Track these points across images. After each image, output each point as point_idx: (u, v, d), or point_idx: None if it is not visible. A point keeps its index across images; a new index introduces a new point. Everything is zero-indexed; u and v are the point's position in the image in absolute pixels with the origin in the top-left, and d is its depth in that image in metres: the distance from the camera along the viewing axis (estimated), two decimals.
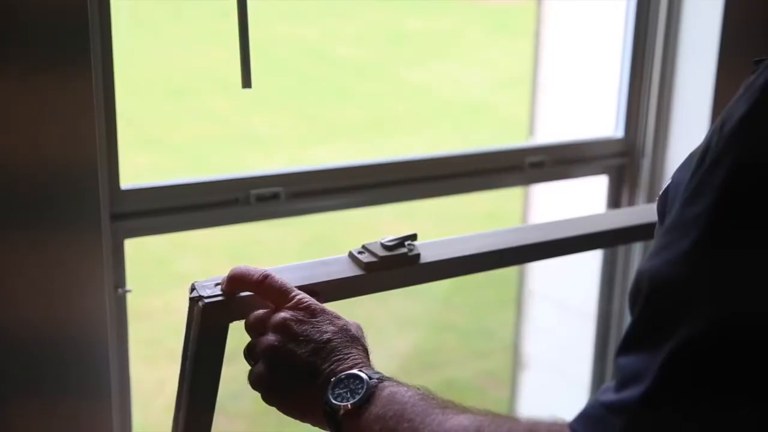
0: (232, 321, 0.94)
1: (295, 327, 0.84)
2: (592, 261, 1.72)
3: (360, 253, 0.98)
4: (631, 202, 1.61)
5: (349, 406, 0.77)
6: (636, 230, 1.21)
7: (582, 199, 2.04)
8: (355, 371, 0.80)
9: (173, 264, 4.08)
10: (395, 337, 3.69)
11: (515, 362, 2.32)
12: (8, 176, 0.95)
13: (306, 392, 0.83)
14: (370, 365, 0.83)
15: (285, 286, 0.88)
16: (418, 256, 1.01)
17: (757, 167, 0.59)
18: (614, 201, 1.64)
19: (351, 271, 0.97)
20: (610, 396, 0.64)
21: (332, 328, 0.85)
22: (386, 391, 0.77)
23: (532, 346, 2.23)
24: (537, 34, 2.32)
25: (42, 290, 1.01)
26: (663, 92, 1.56)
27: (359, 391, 0.78)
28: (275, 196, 1.26)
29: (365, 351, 0.85)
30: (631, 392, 0.61)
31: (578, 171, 1.57)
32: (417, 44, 7.56)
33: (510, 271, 3.38)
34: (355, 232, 4.62)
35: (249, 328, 0.91)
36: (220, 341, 0.97)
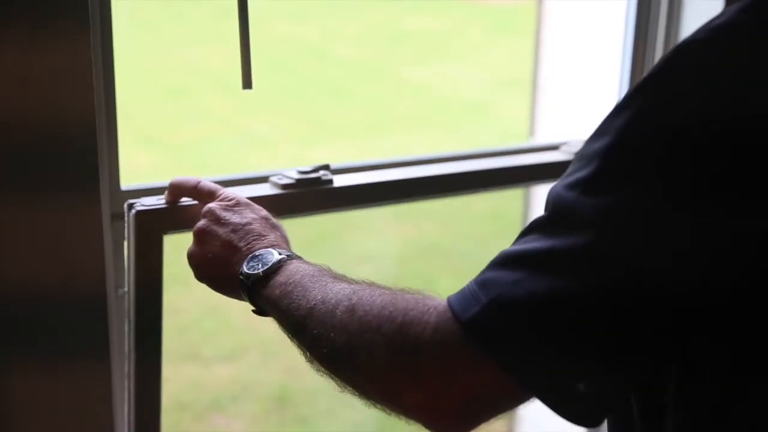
0: (166, 231, 1.07)
1: (218, 212, 0.98)
2: None
3: (279, 178, 1.13)
4: None
5: (261, 273, 0.89)
6: (553, 167, 1.33)
7: None
8: (269, 249, 0.92)
9: (172, 264, 4.08)
10: None
11: None
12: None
13: (227, 267, 0.94)
14: (286, 248, 0.94)
15: (216, 187, 1.03)
16: (330, 181, 1.14)
17: (652, 119, 0.67)
18: None
19: (270, 191, 1.11)
20: (483, 274, 0.72)
21: (253, 215, 0.99)
22: (292, 265, 0.89)
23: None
24: (537, 34, 2.32)
25: (40, 254, 1.01)
26: None
27: (269, 263, 0.90)
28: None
29: (284, 238, 0.97)
30: (500, 274, 0.70)
31: None
32: (417, 44, 7.56)
33: None
34: (356, 231, 4.62)
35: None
36: (157, 253, 1.10)
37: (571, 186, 0.70)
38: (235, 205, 0.99)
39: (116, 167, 1.14)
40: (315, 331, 0.81)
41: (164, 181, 1.21)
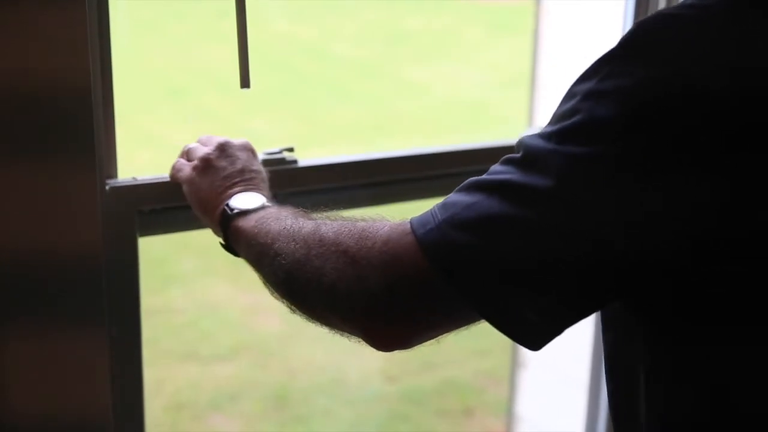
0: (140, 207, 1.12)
1: (230, 149, 1.07)
2: None
3: None
4: None
5: (244, 209, 0.97)
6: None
7: None
8: (258, 193, 1.01)
9: (172, 264, 4.08)
10: None
11: (514, 361, 2.32)
12: None
13: (217, 197, 1.01)
14: (269, 195, 1.03)
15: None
16: (294, 161, 1.21)
17: (602, 94, 0.72)
18: None
19: None
20: (447, 197, 0.77)
21: (255, 165, 1.08)
22: (273, 208, 0.97)
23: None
24: (536, 33, 2.32)
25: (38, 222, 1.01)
26: None
27: (255, 204, 0.98)
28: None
29: (267, 186, 1.06)
30: (460, 198, 0.75)
31: None
32: (416, 43, 7.56)
33: None
34: None
35: (188, 151, 1.11)
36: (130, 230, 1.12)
37: (543, 136, 0.75)
38: (245, 148, 1.09)
39: (115, 167, 1.14)
40: (279, 247, 0.87)
41: (160, 175, 1.21)
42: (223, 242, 1.01)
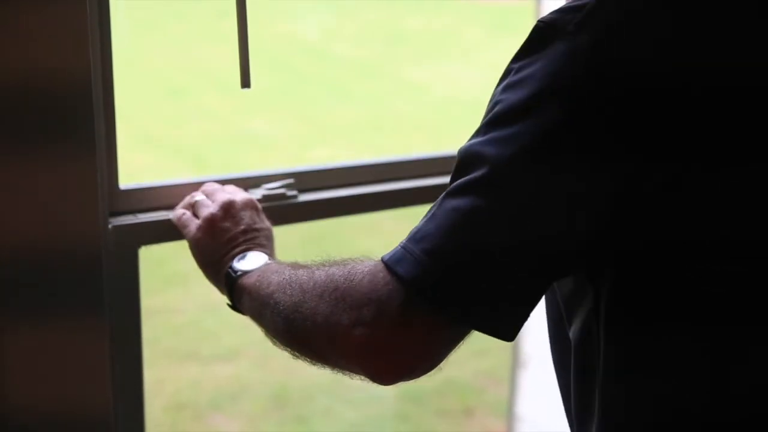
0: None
1: (236, 210, 1.09)
2: None
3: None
4: None
5: (248, 270, 1.00)
6: None
7: None
8: (261, 253, 1.04)
9: (171, 264, 4.08)
10: None
11: (514, 361, 2.32)
12: None
13: (223, 257, 1.05)
14: (272, 252, 1.08)
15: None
16: (295, 196, 1.24)
17: (515, 84, 0.77)
18: None
19: None
20: (411, 233, 0.81)
21: (261, 224, 1.11)
22: (274, 264, 1.00)
23: (531, 344, 2.23)
24: None
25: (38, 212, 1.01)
26: None
27: (258, 264, 1.01)
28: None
29: (272, 244, 1.11)
30: (422, 221, 0.79)
31: None
32: (416, 43, 7.56)
33: None
34: (356, 231, 4.62)
35: (194, 204, 1.13)
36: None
37: (472, 137, 0.80)
38: (249, 206, 1.12)
39: (115, 167, 1.14)
40: (278, 297, 0.91)
41: (164, 181, 1.21)
42: (228, 302, 1.04)
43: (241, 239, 1.06)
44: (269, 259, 1.03)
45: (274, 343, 0.93)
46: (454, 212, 0.77)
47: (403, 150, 5.12)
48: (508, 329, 0.80)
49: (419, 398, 3.33)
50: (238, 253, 1.04)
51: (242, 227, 1.08)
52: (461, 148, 0.81)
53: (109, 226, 1.11)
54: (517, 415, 2.33)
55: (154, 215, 1.16)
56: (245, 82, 1.10)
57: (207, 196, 1.13)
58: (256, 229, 1.09)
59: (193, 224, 1.10)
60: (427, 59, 7.23)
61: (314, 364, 0.90)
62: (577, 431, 0.90)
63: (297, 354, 0.91)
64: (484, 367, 3.50)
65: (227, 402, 3.29)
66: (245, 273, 1.00)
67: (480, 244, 0.76)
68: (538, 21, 0.79)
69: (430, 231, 0.77)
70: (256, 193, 1.21)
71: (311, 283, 0.86)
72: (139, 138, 5.18)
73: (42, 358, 1.04)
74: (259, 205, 1.14)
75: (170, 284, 3.99)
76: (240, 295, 1.00)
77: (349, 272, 0.83)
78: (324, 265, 0.89)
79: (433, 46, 7.54)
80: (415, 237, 0.78)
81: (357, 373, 0.85)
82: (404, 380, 0.84)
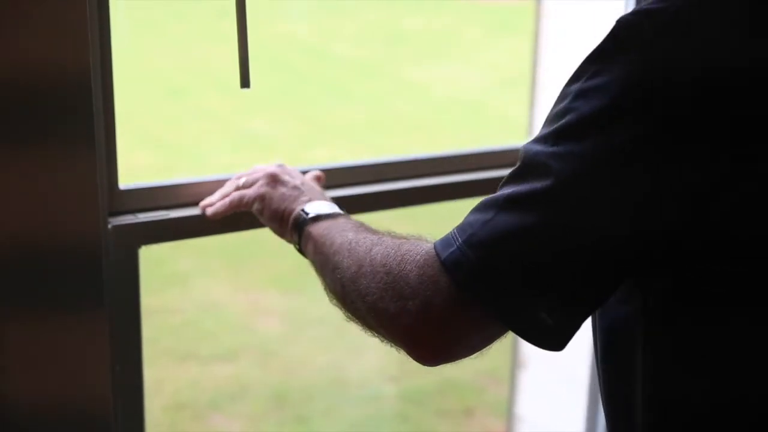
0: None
1: (288, 168, 1.18)
2: None
3: None
4: None
5: (320, 213, 1.05)
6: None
7: None
8: (328, 202, 1.10)
9: (170, 264, 4.08)
10: None
11: (514, 361, 2.32)
12: None
13: (289, 205, 1.10)
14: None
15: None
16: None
17: (590, 91, 0.76)
18: None
19: None
20: (463, 219, 0.82)
21: (313, 183, 1.18)
22: (343, 218, 1.05)
23: (531, 345, 2.23)
24: (536, 34, 2.32)
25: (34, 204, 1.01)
26: None
27: (329, 210, 1.06)
28: None
29: (324, 194, 1.15)
30: (475, 217, 0.80)
31: None
32: (416, 43, 7.57)
33: None
34: None
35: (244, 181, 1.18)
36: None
37: (539, 140, 0.79)
38: (295, 169, 1.19)
39: (115, 167, 1.14)
40: (337, 260, 0.94)
41: (163, 180, 1.21)
42: (296, 246, 1.09)
43: (303, 189, 1.13)
44: (338, 210, 1.08)
45: (330, 300, 0.97)
46: (512, 222, 0.77)
47: (403, 150, 5.12)
48: (555, 340, 0.80)
49: (419, 398, 3.33)
50: (306, 201, 1.10)
51: (300, 181, 1.15)
52: (526, 148, 0.80)
53: (109, 225, 1.11)
54: (517, 415, 2.33)
55: (154, 215, 1.16)
56: (245, 82, 1.10)
57: (253, 172, 1.18)
58: (311, 184, 1.16)
59: (253, 187, 1.15)
60: (427, 59, 7.24)
61: (365, 332, 0.92)
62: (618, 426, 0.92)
63: (350, 318, 0.94)
64: (484, 367, 3.50)
65: (227, 402, 3.29)
66: (316, 217, 1.05)
67: (535, 257, 0.77)
68: (619, 20, 0.77)
69: (487, 238, 0.78)
70: None
71: (368, 260, 0.89)
72: (139, 138, 5.18)
73: (42, 356, 1.04)
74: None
75: (170, 284, 3.99)
76: (306, 242, 1.04)
77: (403, 258, 0.84)
78: (383, 240, 0.91)
79: (433, 46, 7.54)
80: (471, 241, 0.79)
81: (403, 350, 0.87)
82: (446, 363, 0.86)
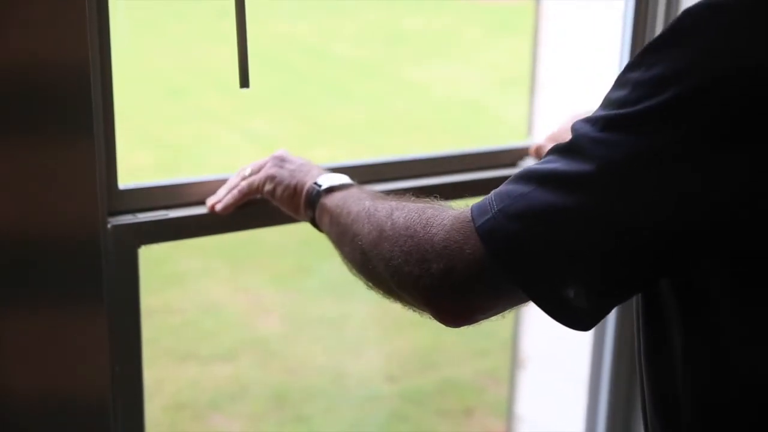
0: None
1: (288, 153, 1.18)
2: None
3: None
4: None
5: (333, 185, 1.05)
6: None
7: None
8: (339, 174, 1.09)
9: (171, 264, 4.08)
10: (395, 336, 3.69)
11: (514, 361, 2.32)
12: None
13: (300, 182, 1.10)
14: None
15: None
16: None
17: (649, 83, 0.75)
18: None
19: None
20: (502, 186, 0.83)
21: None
22: (355, 187, 1.05)
23: (531, 344, 2.23)
24: (535, 34, 2.32)
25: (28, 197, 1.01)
26: None
27: (341, 181, 1.06)
28: None
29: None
30: (514, 187, 0.80)
31: None
32: (416, 43, 7.56)
33: None
34: None
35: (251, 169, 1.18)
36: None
37: (592, 122, 0.79)
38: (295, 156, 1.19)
39: (114, 166, 1.14)
40: (357, 228, 0.94)
41: (163, 180, 1.21)
42: (311, 221, 1.09)
43: (310, 167, 1.13)
44: (350, 180, 1.08)
45: (350, 270, 0.98)
46: (549, 200, 0.77)
47: (403, 150, 5.12)
48: (578, 320, 0.80)
49: (419, 398, 3.33)
50: (316, 175, 1.10)
51: (304, 161, 1.16)
52: (577, 126, 0.80)
53: (109, 225, 1.11)
54: (517, 415, 2.33)
55: (154, 215, 1.16)
56: (244, 82, 1.10)
57: (251, 166, 1.19)
58: (316, 165, 1.16)
59: (261, 171, 1.16)
60: (427, 59, 7.23)
61: (386, 298, 0.93)
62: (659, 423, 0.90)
63: (370, 286, 0.95)
64: (484, 367, 3.50)
65: (227, 402, 3.28)
66: (330, 188, 1.05)
67: (567, 239, 0.77)
68: (685, 11, 0.76)
69: (524, 211, 0.78)
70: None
71: (389, 224, 0.89)
72: (139, 138, 5.18)
73: (41, 352, 1.04)
74: None
75: (170, 284, 3.99)
76: (321, 215, 1.05)
77: (428, 221, 0.85)
78: (404, 205, 0.91)
79: (433, 46, 7.54)
80: (509, 211, 0.79)
81: (425, 312, 0.88)
82: (467, 325, 0.87)
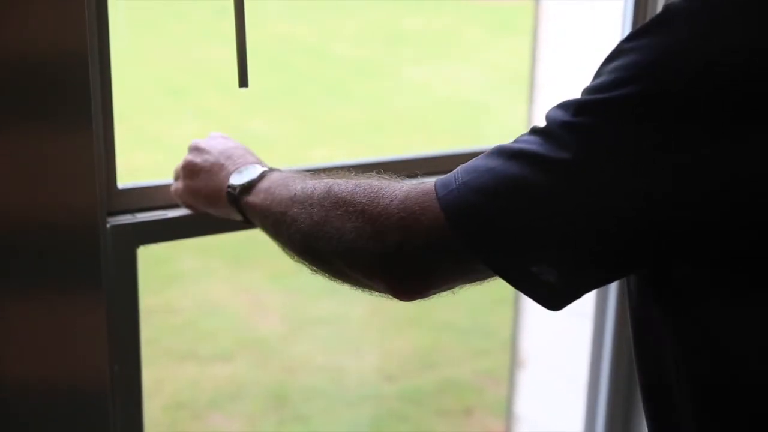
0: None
1: (200, 144, 1.10)
2: None
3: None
4: None
5: (246, 183, 0.99)
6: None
7: None
8: (254, 164, 1.02)
9: (170, 263, 4.07)
10: (394, 336, 3.69)
11: (513, 360, 2.32)
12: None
13: (216, 185, 1.04)
14: (259, 160, 1.05)
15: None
16: None
17: (623, 69, 0.74)
18: None
19: None
20: (471, 161, 0.81)
21: (230, 143, 1.10)
22: (275, 174, 0.99)
23: (530, 344, 2.23)
24: (535, 33, 2.32)
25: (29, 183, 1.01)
26: None
27: (254, 175, 1.00)
28: None
29: (259, 159, 1.07)
30: (482, 162, 0.79)
31: None
32: (416, 43, 7.56)
33: None
34: None
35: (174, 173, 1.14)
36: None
37: (565, 107, 0.77)
38: (211, 138, 1.12)
39: (113, 166, 1.14)
40: (294, 213, 0.89)
41: (162, 180, 1.21)
42: (242, 219, 1.04)
43: (223, 162, 1.06)
44: (262, 167, 1.02)
45: (292, 258, 0.94)
46: (517, 175, 0.76)
47: (403, 149, 5.12)
48: (547, 297, 0.79)
49: (418, 398, 3.33)
50: (229, 174, 1.03)
51: (217, 151, 1.08)
52: (551, 112, 0.79)
53: (108, 225, 1.11)
54: (517, 414, 2.33)
55: (153, 214, 1.16)
56: (243, 81, 1.10)
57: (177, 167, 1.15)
58: (232, 148, 1.09)
59: (179, 182, 1.11)
60: (427, 59, 7.23)
61: (332, 280, 0.90)
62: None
63: (315, 269, 0.91)
64: (484, 367, 3.50)
65: (226, 401, 3.28)
66: (245, 187, 0.99)
67: (532, 217, 0.75)
68: (665, 5, 0.76)
69: (489, 184, 0.77)
70: None
71: (332, 200, 0.86)
72: (138, 137, 5.18)
73: (39, 349, 1.04)
74: (228, 135, 1.14)
75: (169, 284, 3.99)
76: (251, 213, 1.00)
77: (377, 194, 0.83)
78: (342, 182, 0.87)
79: (433, 46, 7.53)
80: (474, 184, 0.78)
81: (375, 290, 0.86)
82: (422, 298, 0.85)
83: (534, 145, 0.77)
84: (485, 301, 4.23)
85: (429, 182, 0.82)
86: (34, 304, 1.03)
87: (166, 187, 1.20)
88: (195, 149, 1.11)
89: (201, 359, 3.56)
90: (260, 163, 1.05)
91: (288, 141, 5.68)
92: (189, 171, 1.10)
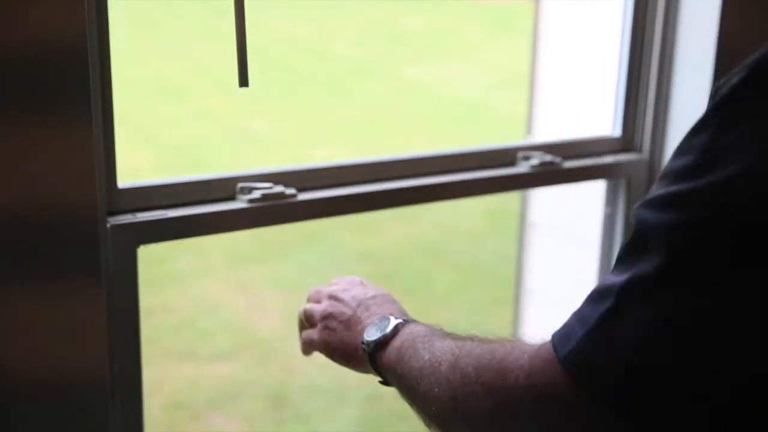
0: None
1: (338, 294, 1.06)
2: (589, 265, 1.72)
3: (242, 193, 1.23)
4: (628, 200, 1.61)
5: (378, 339, 0.94)
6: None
7: (579, 197, 2.03)
8: (387, 316, 0.98)
9: (170, 263, 4.08)
10: None
11: None
12: None
13: (353, 341, 1.01)
14: (402, 315, 0.99)
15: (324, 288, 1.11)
16: (294, 195, 1.24)
17: (738, 131, 0.63)
18: (611, 199, 1.63)
19: (238, 205, 1.22)
20: (581, 308, 0.71)
21: (371, 291, 1.06)
22: (407, 328, 0.94)
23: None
24: (535, 33, 2.32)
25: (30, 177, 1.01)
26: (660, 91, 1.56)
27: (386, 329, 0.95)
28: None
29: (399, 308, 1.02)
30: (594, 307, 0.69)
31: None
32: (416, 43, 7.57)
33: (508, 271, 3.38)
34: (355, 229, 4.62)
35: (308, 317, 1.10)
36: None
37: (653, 204, 0.67)
38: (350, 284, 1.08)
39: (113, 165, 1.14)
40: (424, 389, 0.85)
41: (162, 179, 1.21)
42: (379, 380, 0.99)
43: (359, 315, 1.03)
44: (395, 318, 0.96)
45: (428, 426, 0.87)
46: (636, 327, 0.66)
47: (403, 149, 5.13)
48: None
49: None
50: (363, 329, 0.99)
51: (354, 304, 1.04)
52: (638, 213, 0.68)
53: (108, 225, 1.11)
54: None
55: (153, 214, 1.16)
56: (243, 81, 1.10)
57: (314, 301, 1.11)
58: (369, 298, 1.05)
59: (315, 333, 1.07)
60: (427, 59, 7.24)
61: None
62: None
63: None
64: None
65: (226, 401, 3.29)
66: (378, 344, 0.94)
67: (665, 364, 0.66)
68: (758, 58, 0.64)
69: (607, 335, 0.68)
70: (255, 193, 1.21)
71: (458, 377, 0.80)
72: (138, 137, 5.18)
73: (39, 345, 1.04)
74: (364, 279, 1.10)
75: (169, 283, 3.99)
76: (386, 373, 0.95)
77: (501, 366, 0.75)
78: (467, 345, 0.82)
79: (433, 45, 7.54)
80: (591, 336, 0.68)
81: None
82: None
83: (634, 268, 0.67)
84: (485, 301, 4.23)
85: (547, 343, 0.73)
86: (34, 304, 1.03)
87: (166, 187, 1.20)
88: (333, 298, 1.07)
89: (200, 359, 3.56)
90: (396, 312, 1.01)
91: (288, 141, 5.69)
92: (325, 326, 1.06)
